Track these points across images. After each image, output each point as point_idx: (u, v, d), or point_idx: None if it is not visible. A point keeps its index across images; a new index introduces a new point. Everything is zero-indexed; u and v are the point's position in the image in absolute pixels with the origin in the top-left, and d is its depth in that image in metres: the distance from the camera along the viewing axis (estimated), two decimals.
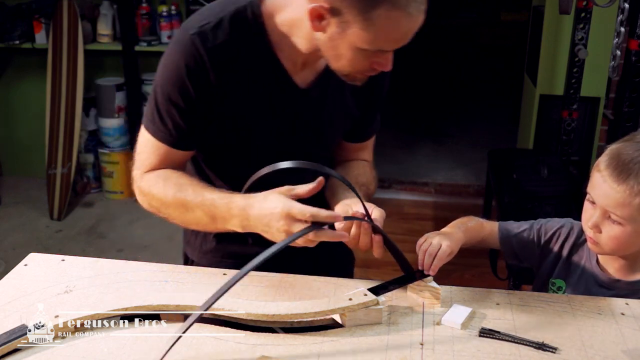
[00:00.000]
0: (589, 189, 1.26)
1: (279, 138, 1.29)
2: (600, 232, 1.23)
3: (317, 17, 1.09)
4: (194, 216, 1.22)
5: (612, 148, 1.25)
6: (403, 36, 1.10)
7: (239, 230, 1.19)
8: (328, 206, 1.28)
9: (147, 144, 1.27)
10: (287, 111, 1.27)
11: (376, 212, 1.18)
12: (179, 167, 1.30)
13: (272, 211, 1.11)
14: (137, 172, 1.29)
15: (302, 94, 1.26)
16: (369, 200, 1.34)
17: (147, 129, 1.26)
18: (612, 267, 1.30)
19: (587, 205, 1.27)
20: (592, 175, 1.25)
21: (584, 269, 1.32)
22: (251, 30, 1.19)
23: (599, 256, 1.31)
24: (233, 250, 1.39)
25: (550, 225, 1.38)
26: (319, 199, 1.33)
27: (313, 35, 1.13)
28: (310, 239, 1.10)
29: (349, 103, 1.32)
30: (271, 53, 1.21)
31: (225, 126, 1.26)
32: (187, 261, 1.48)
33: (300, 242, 1.10)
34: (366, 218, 1.15)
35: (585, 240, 1.31)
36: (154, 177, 1.26)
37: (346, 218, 1.13)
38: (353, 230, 1.16)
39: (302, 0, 1.12)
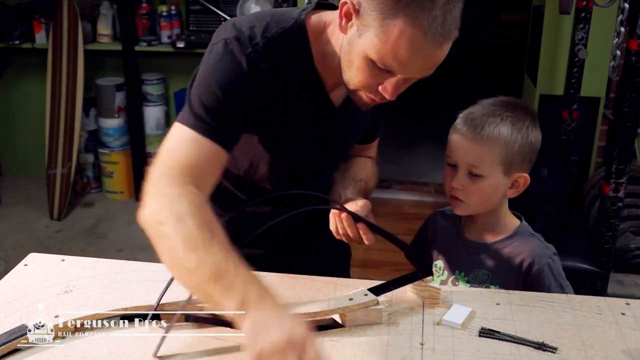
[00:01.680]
0: (447, 153, 1.34)
1: (308, 154, 1.29)
2: (465, 190, 1.32)
3: (346, 15, 1.07)
4: (194, 270, 0.96)
5: (463, 113, 1.34)
6: (412, 58, 1.04)
7: (231, 308, 0.93)
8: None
9: (181, 139, 1.11)
10: (322, 129, 1.27)
11: (360, 203, 1.22)
12: (212, 172, 1.13)
13: (293, 325, 0.89)
14: (160, 167, 1.08)
15: (336, 114, 1.26)
16: (369, 194, 1.36)
17: (187, 123, 1.11)
18: (477, 233, 1.39)
19: (447, 170, 1.36)
20: (449, 140, 1.34)
21: (453, 243, 1.41)
22: (297, 50, 1.18)
23: (464, 226, 1.41)
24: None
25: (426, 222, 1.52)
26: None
27: (338, 40, 1.13)
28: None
29: (367, 114, 1.33)
30: (314, 72, 1.20)
31: (263, 140, 1.24)
32: None
33: None
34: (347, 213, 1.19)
35: (450, 217, 1.43)
36: (184, 192, 1.04)
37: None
38: (335, 224, 1.20)
39: (335, 19, 1.12)
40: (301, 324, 0.90)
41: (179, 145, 1.11)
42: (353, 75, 1.11)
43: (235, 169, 1.29)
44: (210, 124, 1.11)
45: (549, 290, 1.28)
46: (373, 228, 1.21)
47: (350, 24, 1.08)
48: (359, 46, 1.07)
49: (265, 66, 1.14)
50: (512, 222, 1.39)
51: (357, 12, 1.05)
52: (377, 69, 1.07)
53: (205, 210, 1.03)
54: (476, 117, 1.30)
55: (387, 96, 1.10)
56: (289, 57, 1.17)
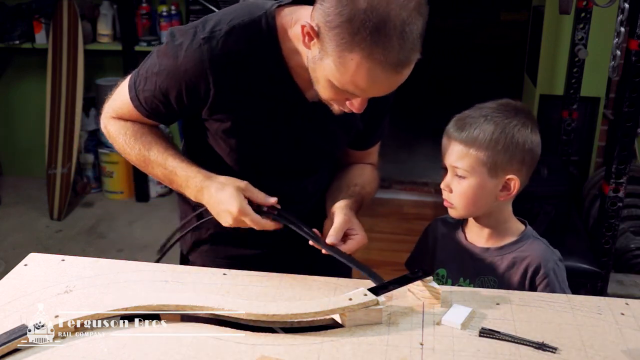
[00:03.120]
0: (443, 157, 1.35)
1: (282, 149, 1.30)
2: (452, 191, 1.32)
3: (307, 35, 1.09)
4: (154, 172, 1.32)
5: (456, 116, 1.34)
6: (372, 87, 1.08)
7: (192, 198, 1.28)
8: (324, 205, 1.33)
9: (123, 99, 1.31)
10: (295, 124, 1.27)
11: (336, 224, 1.23)
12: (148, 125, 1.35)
13: (226, 207, 1.19)
14: (107, 112, 1.35)
15: (310, 108, 1.26)
16: (366, 199, 1.35)
17: (129, 89, 1.29)
18: (480, 238, 1.38)
19: (443, 174, 1.36)
20: (442, 144, 1.35)
21: (456, 250, 1.40)
22: (264, 41, 1.19)
23: (467, 232, 1.40)
24: (227, 251, 1.39)
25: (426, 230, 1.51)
26: (319, 208, 1.36)
27: (305, 51, 1.14)
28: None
29: (353, 116, 1.32)
30: (283, 66, 1.21)
31: (233, 133, 1.26)
32: (183, 259, 1.48)
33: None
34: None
35: (451, 225, 1.42)
36: (121, 127, 1.32)
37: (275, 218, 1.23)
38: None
39: (307, 16, 1.12)
40: (231, 201, 1.18)
41: (119, 100, 1.32)
42: (320, 90, 1.15)
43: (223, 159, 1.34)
44: (143, 106, 1.28)
45: None
46: (343, 257, 1.21)
47: (312, 42, 1.10)
48: (321, 69, 1.10)
49: (218, 53, 1.17)
50: (517, 226, 1.37)
51: (317, 35, 1.07)
52: (340, 90, 1.11)
53: (143, 130, 1.32)
54: (463, 119, 1.31)
55: (354, 110, 1.16)
56: (254, 47, 1.19)
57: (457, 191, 1.31)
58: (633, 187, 2.84)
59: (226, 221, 1.21)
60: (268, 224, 1.21)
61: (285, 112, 1.26)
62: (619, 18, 2.15)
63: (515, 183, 1.30)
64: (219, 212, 1.21)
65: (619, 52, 2.18)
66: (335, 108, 1.19)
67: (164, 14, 3.60)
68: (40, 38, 3.66)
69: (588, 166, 3.22)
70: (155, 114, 1.30)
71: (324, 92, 1.15)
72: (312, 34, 1.08)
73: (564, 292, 1.30)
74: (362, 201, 1.36)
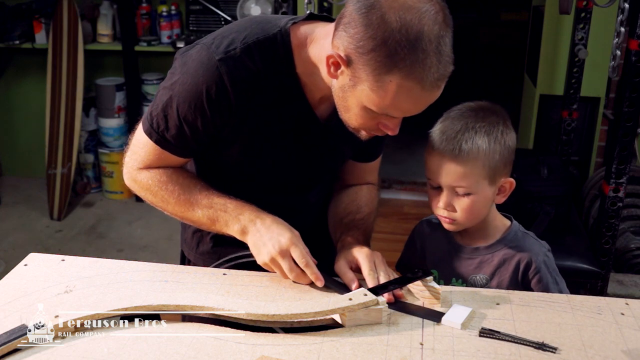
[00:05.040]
0: (428, 175, 1.30)
1: (290, 166, 1.29)
2: (455, 210, 1.28)
3: (334, 64, 1.07)
4: (194, 214, 1.24)
5: (433, 131, 1.29)
6: (413, 107, 1.07)
7: (236, 234, 1.22)
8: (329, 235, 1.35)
9: (145, 147, 1.25)
10: (305, 142, 1.27)
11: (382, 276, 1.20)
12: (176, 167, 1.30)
13: (277, 235, 1.18)
14: (132, 166, 1.28)
15: (322, 128, 1.25)
16: (366, 223, 1.36)
17: (149, 135, 1.23)
18: (469, 238, 1.36)
19: (431, 192, 1.32)
20: (427, 161, 1.30)
21: (446, 251, 1.38)
22: (280, 60, 1.16)
23: (455, 233, 1.37)
24: (228, 253, 1.39)
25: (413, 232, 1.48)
26: (321, 232, 1.36)
27: (329, 79, 1.12)
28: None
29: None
30: (297, 84, 1.19)
31: (244, 151, 1.25)
32: (184, 260, 1.48)
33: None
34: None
35: (437, 225, 1.39)
36: (154, 174, 1.26)
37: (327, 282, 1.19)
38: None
39: (329, 40, 1.10)
40: (286, 231, 1.18)
41: (141, 150, 1.25)
42: (352, 118, 1.13)
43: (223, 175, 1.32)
44: (172, 144, 1.22)
45: (546, 286, 1.28)
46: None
47: (340, 71, 1.07)
48: (355, 96, 1.08)
49: (237, 73, 1.13)
50: (503, 222, 1.37)
51: (347, 62, 1.05)
52: (377, 114, 1.09)
53: (177, 173, 1.26)
54: (450, 135, 1.25)
55: (390, 133, 1.14)
56: (270, 65, 1.16)
57: (461, 208, 1.28)
58: (633, 187, 2.84)
59: (268, 252, 1.17)
60: (312, 269, 1.17)
61: (296, 131, 1.24)
62: (619, 18, 2.15)
63: (511, 184, 1.31)
64: (266, 241, 1.18)
65: (619, 52, 2.18)
66: (364, 134, 1.17)
67: (164, 14, 3.60)
68: (40, 38, 3.66)
69: (588, 166, 3.22)
70: (186, 150, 1.24)
71: (356, 119, 1.12)
72: (342, 62, 1.05)
73: (556, 282, 1.31)
74: (369, 228, 1.36)
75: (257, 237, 1.20)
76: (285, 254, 1.17)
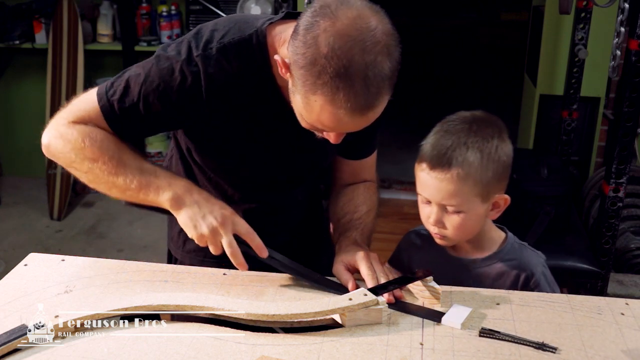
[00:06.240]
0: (419, 190, 1.26)
1: (273, 164, 1.30)
2: (445, 227, 1.25)
3: (284, 65, 1.08)
4: (121, 179, 1.18)
5: (424, 145, 1.24)
6: (340, 127, 1.07)
7: (163, 202, 1.18)
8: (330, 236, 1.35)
9: (87, 105, 1.21)
10: (285, 140, 1.27)
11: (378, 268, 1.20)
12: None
13: (222, 208, 1.17)
14: (62, 118, 1.21)
15: (300, 126, 1.25)
16: (364, 222, 1.35)
17: (99, 99, 1.20)
18: (464, 251, 1.33)
19: (422, 205, 1.28)
20: (416, 176, 1.26)
21: (438, 264, 1.31)
22: (255, 60, 1.17)
23: (449, 245, 1.33)
24: None
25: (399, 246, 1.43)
26: (319, 230, 1.35)
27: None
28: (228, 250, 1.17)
29: None
30: (274, 84, 1.20)
31: (224, 151, 1.26)
32: (171, 259, 1.48)
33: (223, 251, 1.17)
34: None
35: (427, 237, 1.33)
36: (89, 130, 1.19)
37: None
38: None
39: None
40: (226, 206, 1.17)
41: (84, 108, 1.21)
42: (298, 117, 1.13)
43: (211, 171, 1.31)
44: (116, 116, 1.19)
45: None
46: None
47: (287, 74, 1.08)
48: (294, 102, 1.09)
49: (212, 72, 1.15)
50: (498, 234, 1.33)
51: (289, 69, 1.06)
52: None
53: (111, 136, 1.20)
54: (441, 151, 1.20)
55: (331, 141, 1.13)
56: (245, 65, 1.16)
57: (452, 226, 1.23)
58: (633, 187, 2.84)
59: (209, 224, 1.15)
60: (238, 256, 1.16)
61: (275, 129, 1.25)
62: (619, 18, 2.15)
63: (505, 201, 1.26)
64: (206, 213, 1.16)
65: (619, 52, 2.18)
66: (317, 134, 1.17)
67: (164, 14, 3.60)
68: (40, 38, 3.65)
69: (588, 166, 3.22)
70: (126, 127, 1.21)
71: (301, 121, 1.13)
72: (285, 68, 1.07)
73: (553, 292, 1.28)
74: (367, 227, 1.35)
75: (194, 208, 1.17)
76: (227, 226, 1.15)
